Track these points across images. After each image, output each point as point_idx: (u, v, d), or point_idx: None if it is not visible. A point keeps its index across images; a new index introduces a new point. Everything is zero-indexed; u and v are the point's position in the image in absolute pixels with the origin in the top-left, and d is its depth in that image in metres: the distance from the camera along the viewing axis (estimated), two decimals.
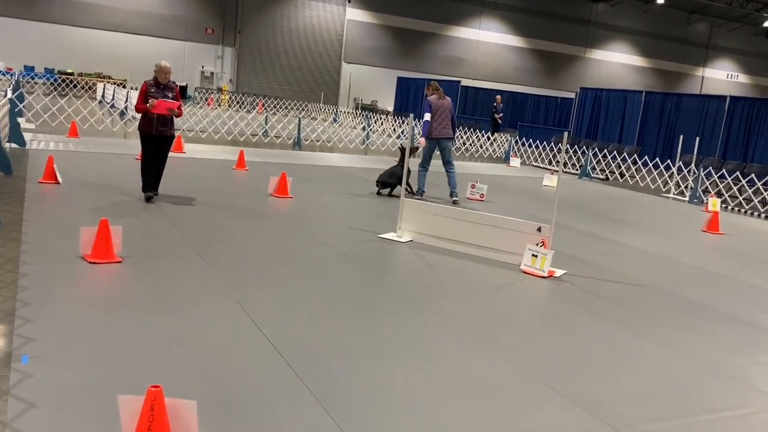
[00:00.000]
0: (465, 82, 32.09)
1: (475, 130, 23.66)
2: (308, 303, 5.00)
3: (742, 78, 54.30)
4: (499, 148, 22.64)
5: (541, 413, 3.58)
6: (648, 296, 6.22)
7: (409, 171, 10.64)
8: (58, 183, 8.60)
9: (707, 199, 13.36)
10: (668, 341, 4.97)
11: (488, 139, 22.93)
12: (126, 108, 19.67)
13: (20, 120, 12.51)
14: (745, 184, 14.79)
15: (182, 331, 4.17)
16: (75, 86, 30.83)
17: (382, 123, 28.56)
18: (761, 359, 4.79)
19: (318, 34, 41.24)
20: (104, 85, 27.61)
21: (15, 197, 7.56)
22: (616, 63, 49.59)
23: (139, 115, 8.09)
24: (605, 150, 19.00)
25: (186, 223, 7.18)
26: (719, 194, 14.91)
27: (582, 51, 48.56)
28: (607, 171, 18.41)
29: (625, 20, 49.02)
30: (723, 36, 52.40)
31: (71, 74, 33.32)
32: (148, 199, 8.00)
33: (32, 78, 31.43)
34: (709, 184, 15.83)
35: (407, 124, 11.99)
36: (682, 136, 16.03)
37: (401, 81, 33.28)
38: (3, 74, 29.14)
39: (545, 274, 6.41)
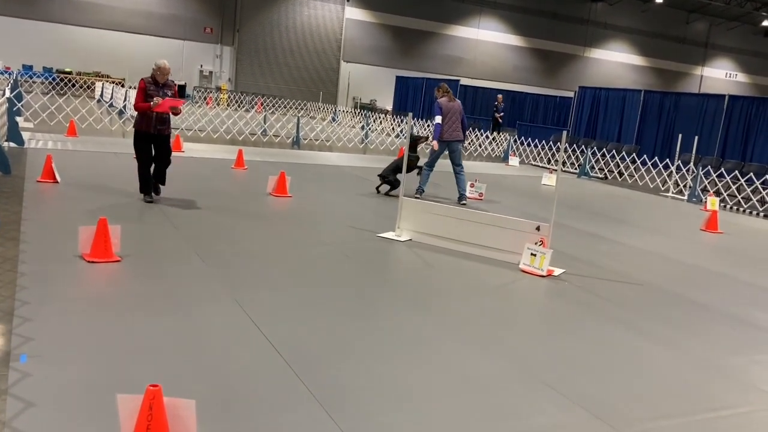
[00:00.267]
0: (464, 82, 32.11)
1: (474, 129, 23.66)
2: (308, 302, 4.99)
3: (741, 77, 54.37)
4: (498, 147, 22.65)
5: (541, 412, 3.58)
6: (646, 295, 6.22)
7: (418, 165, 10.65)
8: (57, 182, 8.59)
9: (706, 198, 13.37)
10: (667, 340, 4.97)
11: (487, 138, 22.94)
12: (124, 107, 19.66)
13: (19, 119, 12.49)
14: (743, 183, 14.80)
15: (181, 330, 4.17)
16: (73, 85, 30.80)
17: (380, 122, 28.55)
18: (760, 358, 4.79)
19: (317, 33, 41.23)
20: (102, 84, 27.59)
21: (13, 196, 7.55)
22: (615, 62, 49.62)
23: (136, 113, 8.06)
24: (604, 149, 19.00)
25: (185, 222, 7.18)
26: (718, 193, 14.92)
27: (581, 50, 48.59)
28: (606, 170, 18.42)
29: (624, 19, 49.05)
30: (722, 35, 52.44)
31: (69, 73, 33.30)
32: (148, 201, 7.99)
33: (30, 77, 31.38)
34: (708, 183, 15.84)
35: (406, 123, 11.98)
36: (680, 135, 16.04)
37: (400, 80, 33.28)
38: (1, 73, 29.11)
39: (544, 273, 6.41)
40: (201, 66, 38.94)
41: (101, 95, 26.19)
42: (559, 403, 3.71)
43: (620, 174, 18.07)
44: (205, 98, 34.04)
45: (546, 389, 3.86)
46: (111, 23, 36.01)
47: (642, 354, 4.63)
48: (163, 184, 8.22)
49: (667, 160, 17.01)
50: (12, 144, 11.32)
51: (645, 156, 18.64)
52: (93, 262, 5.35)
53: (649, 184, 16.88)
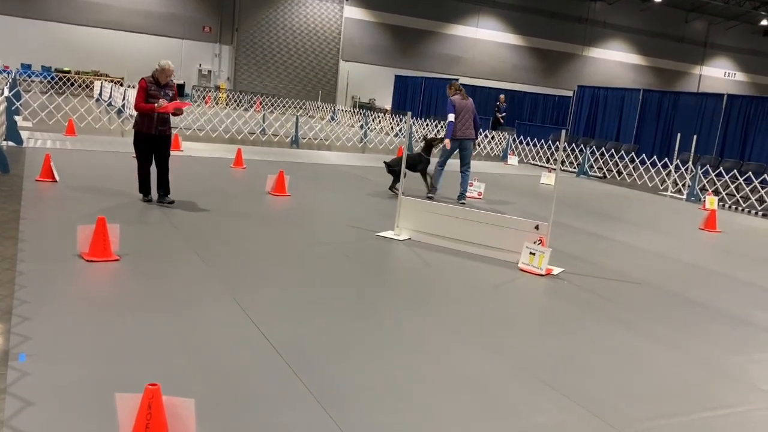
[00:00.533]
0: (463, 81, 32.04)
1: None
2: (307, 302, 4.99)
3: (740, 76, 54.38)
4: (497, 146, 22.65)
5: (540, 411, 3.58)
6: (645, 294, 6.22)
7: (426, 162, 10.71)
8: (56, 181, 8.58)
9: (704, 197, 13.38)
10: (666, 339, 4.98)
11: (486, 137, 22.93)
12: (123, 106, 19.64)
13: (17, 118, 12.48)
14: (742, 182, 14.81)
15: (180, 329, 4.17)
16: (72, 84, 30.76)
17: (379, 121, 28.54)
18: (759, 357, 4.80)
19: (315, 32, 41.19)
20: (101, 83, 27.56)
21: (12, 195, 7.54)
22: (613, 61, 49.61)
23: (135, 113, 8.04)
24: (603, 148, 19.01)
25: (184, 221, 7.17)
26: (716, 192, 14.93)
27: (580, 49, 48.57)
28: (605, 169, 18.43)
29: (623, 18, 49.03)
30: (720, 34, 52.45)
31: (68, 72, 33.25)
32: (147, 201, 7.98)
33: (29, 76, 31.34)
34: (707, 182, 15.85)
35: (405, 122, 11.97)
36: (679, 134, 16.05)
37: (399, 79, 33.27)
38: (0, 72, 29.06)
39: (543, 272, 6.41)
40: (200, 65, 38.90)
41: (100, 94, 26.17)
42: (558, 402, 3.71)
43: (619, 173, 18.08)
44: (203, 97, 34.01)
45: (545, 388, 3.86)
46: (110, 22, 35.95)
47: (641, 353, 4.63)
48: (168, 193, 8.15)
49: (666, 159, 17.02)
50: (11, 143, 11.31)
51: (644, 155, 18.63)
52: (92, 261, 5.34)
53: (648, 183, 16.89)
